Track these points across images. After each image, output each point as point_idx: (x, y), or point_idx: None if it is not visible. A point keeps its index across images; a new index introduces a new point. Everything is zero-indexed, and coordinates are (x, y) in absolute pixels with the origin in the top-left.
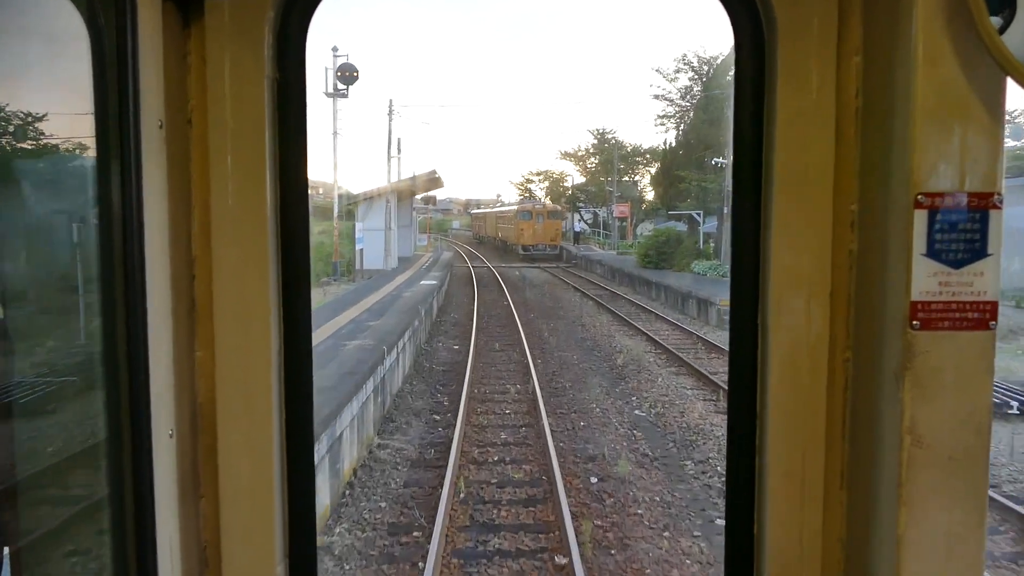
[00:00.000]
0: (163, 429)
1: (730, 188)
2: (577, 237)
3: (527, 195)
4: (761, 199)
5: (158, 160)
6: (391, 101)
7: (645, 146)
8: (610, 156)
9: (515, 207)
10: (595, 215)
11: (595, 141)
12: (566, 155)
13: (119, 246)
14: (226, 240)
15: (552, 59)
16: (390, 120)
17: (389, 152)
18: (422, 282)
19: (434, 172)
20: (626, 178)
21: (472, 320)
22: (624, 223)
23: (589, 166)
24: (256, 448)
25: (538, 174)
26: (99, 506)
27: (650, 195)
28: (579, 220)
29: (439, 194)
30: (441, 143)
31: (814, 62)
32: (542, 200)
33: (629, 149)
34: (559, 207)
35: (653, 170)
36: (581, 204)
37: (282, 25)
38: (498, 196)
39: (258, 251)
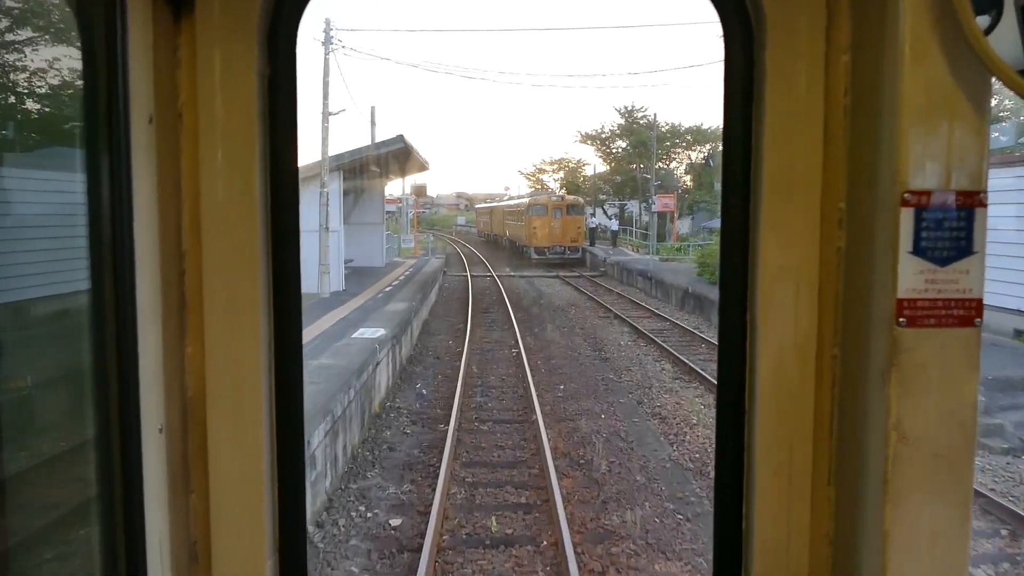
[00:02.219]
0: (152, 424)
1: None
2: (614, 238)
3: (539, 187)
4: (750, 196)
5: (147, 155)
6: (328, 21)
7: (685, 125)
8: (644, 136)
9: (526, 199)
10: (621, 209)
11: (622, 121)
12: (586, 137)
13: (108, 241)
14: (216, 235)
15: (568, 32)
16: (326, 52)
17: (325, 106)
18: (359, 332)
19: (401, 139)
20: (659, 165)
21: (451, 407)
22: (668, 219)
23: (614, 151)
24: (246, 443)
25: (552, 163)
26: (88, 502)
27: (687, 186)
28: (612, 216)
29: (442, 188)
30: (438, 129)
31: (803, 60)
32: (559, 191)
33: (665, 129)
34: (580, 199)
35: (695, 154)
36: (604, 197)
37: (273, 20)
38: (506, 188)
39: (248, 246)
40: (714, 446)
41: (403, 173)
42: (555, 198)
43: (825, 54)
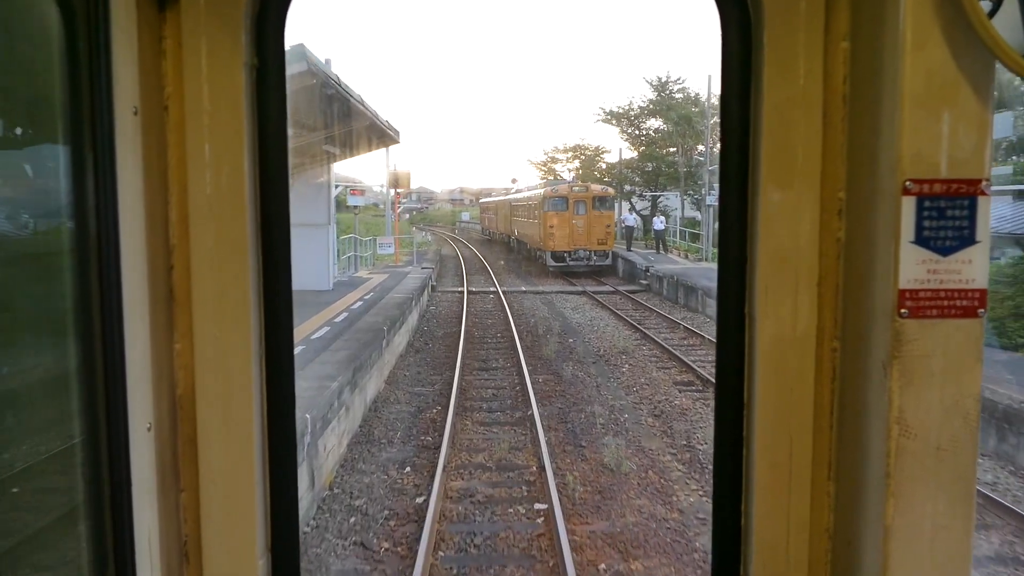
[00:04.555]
0: (141, 422)
1: None
2: (660, 240)
3: (552, 178)
4: (748, 186)
5: (133, 147)
6: None
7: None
8: (687, 111)
9: (539, 191)
10: (654, 202)
11: (654, 96)
12: (611, 116)
13: (93, 236)
14: (204, 228)
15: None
16: None
17: None
18: None
19: (302, 53)
20: (701, 148)
21: None
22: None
23: (644, 132)
24: (237, 440)
25: (567, 150)
26: (76, 502)
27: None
28: (659, 215)
29: (445, 184)
30: (434, 117)
31: (802, 48)
32: (580, 182)
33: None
34: (610, 190)
35: None
36: (631, 188)
37: (260, 9)
38: (513, 181)
39: (237, 239)
40: (713, 441)
41: (335, 140)
42: (577, 188)
43: (824, 41)
